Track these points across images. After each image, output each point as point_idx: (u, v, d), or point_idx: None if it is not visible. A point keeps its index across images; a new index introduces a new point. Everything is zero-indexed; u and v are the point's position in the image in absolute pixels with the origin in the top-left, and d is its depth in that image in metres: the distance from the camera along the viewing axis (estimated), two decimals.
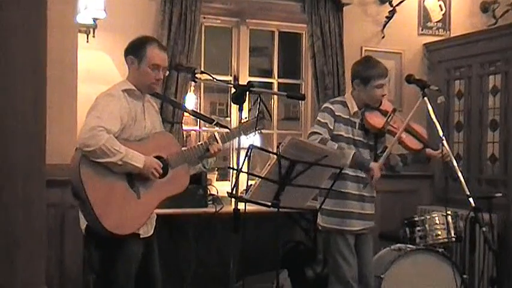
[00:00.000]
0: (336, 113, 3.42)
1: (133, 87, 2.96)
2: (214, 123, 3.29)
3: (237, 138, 2.90)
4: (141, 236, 2.91)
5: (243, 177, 3.52)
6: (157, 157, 2.92)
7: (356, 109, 3.47)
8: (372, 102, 3.47)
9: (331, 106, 3.44)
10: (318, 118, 3.43)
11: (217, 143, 3.08)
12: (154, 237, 3.05)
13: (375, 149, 3.54)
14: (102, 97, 2.88)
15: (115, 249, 2.83)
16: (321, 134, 3.32)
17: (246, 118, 3.26)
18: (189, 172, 3.08)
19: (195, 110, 4.28)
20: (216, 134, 3.13)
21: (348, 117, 3.45)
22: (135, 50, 2.98)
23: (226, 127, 3.28)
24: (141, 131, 2.96)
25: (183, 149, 3.06)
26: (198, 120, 4.67)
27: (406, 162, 3.55)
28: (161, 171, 2.89)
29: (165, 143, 3.01)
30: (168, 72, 3.25)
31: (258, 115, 3.08)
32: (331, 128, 3.39)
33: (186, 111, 4.14)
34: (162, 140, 3.02)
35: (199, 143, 3.09)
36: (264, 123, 3.23)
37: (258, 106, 2.83)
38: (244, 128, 3.14)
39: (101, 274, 2.92)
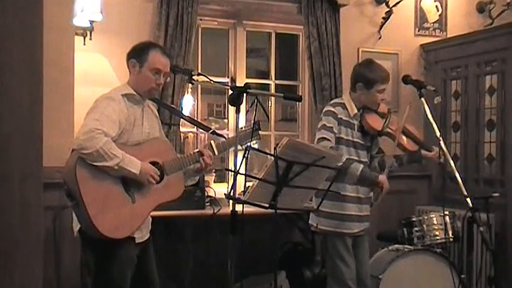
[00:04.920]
0: (339, 116, 3.42)
1: (133, 92, 2.95)
2: (211, 131, 3.29)
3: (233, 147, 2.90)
4: (136, 241, 2.90)
5: (240, 178, 3.53)
6: (153, 163, 2.90)
7: (356, 111, 3.47)
8: (371, 105, 3.48)
9: (333, 109, 3.44)
10: (323, 122, 3.41)
11: (213, 152, 3.07)
12: (150, 240, 3.05)
13: (370, 151, 3.56)
14: (102, 100, 2.87)
15: (109, 253, 2.81)
16: (330, 141, 3.32)
17: (242, 128, 3.25)
18: (184, 181, 3.07)
19: (191, 117, 4.28)
20: (212, 142, 3.12)
21: (348, 119, 3.45)
22: (137, 54, 2.98)
23: (223, 136, 3.27)
24: (139, 136, 2.95)
25: (178, 156, 3.06)
26: None
27: (402, 163, 3.56)
28: (157, 178, 2.87)
29: (161, 149, 3.00)
30: (169, 78, 3.25)
31: (253, 125, 3.07)
32: (336, 131, 3.39)
33: (183, 118, 4.13)
34: (158, 146, 3.00)
35: (195, 151, 3.08)
36: (260, 133, 3.24)
37: (255, 108, 2.82)
38: (241, 137, 3.13)
39: (97, 276, 2.91)
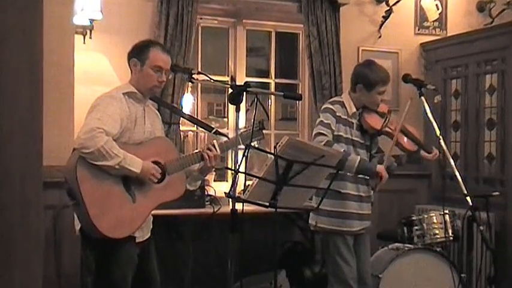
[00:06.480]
0: (337, 114, 3.42)
1: (135, 90, 2.95)
2: (213, 131, 3.28)
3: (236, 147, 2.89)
4: (136, 240, 2.89)
5: (240, 177, 3.53)
6: (155, 162, 2.89)
7: (354, 110, 3.47)
8: (371, 106, 3.48)
9: (332, 106, 3.44)
10: (321, 119, 3.41)
11: (216, 151, 3.07)
12: (151, 239, 3.05)
13: (370, 149, 3.56)
14: (103, 98, 2.86)
15: (110, 252, 2.81)
16: (326, 136, 3.31)
17: (245, 127, 3.24)
18: (188, 184, 3.07)
19: (193, 116, 4.27)
20: (215, 142, 3.11)
21: (346, 117, 3.46)
22: (138, 53, 2.98)
23: (225, 135, 3.27)
24: (141, 135, 2.94)
25: (180, 155, 3.05)
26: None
27: (401, 163, 3.57)
28: (159, 176, 2.87)
29: (163, 148, 2.99)
30: (170, 75, 3.25)
31: (257, 124, 3.06)
32: (334, 128, 3.39)
33: (184, 118, 4.12)
34: (160, 146, 3.00)
35: (196, 151, 3.07)
36: (263, 133, 3.23)
37: (255, 107, 2.82)
38: (244, 137, 3.13)
39: (97, 276, 2.91)
